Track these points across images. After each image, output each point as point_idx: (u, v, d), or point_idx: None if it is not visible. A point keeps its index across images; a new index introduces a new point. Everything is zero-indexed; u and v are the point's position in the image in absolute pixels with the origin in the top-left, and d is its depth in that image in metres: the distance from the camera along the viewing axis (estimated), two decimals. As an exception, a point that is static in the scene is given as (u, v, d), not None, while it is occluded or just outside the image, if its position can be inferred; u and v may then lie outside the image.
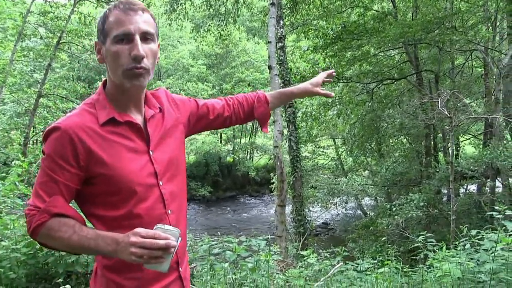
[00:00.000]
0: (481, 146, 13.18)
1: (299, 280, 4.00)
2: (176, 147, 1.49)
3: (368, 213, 16.26)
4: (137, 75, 1.31)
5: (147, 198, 1.35)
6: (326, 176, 16.46)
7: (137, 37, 1.30)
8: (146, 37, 1.33)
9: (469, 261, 3.30)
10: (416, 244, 4.65)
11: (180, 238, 1.22)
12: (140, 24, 1.31)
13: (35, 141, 24.43)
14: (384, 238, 9.15)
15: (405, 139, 14.62)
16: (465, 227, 3.80)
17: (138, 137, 1.38)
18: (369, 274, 4.05)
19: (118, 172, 1.31)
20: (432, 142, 12.87)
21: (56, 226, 1.26)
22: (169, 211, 1.40)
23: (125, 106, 1.39)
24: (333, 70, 2.04)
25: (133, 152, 1.36)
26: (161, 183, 1.39)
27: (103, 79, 1.45)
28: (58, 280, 3.37)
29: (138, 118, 1.41)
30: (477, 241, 3.54)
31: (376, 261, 4.26)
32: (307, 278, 4.45)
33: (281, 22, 9.71)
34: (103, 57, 1.36)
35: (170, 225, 1.28)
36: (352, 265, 4.50)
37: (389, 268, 3.80)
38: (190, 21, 16.09)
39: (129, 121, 1.36)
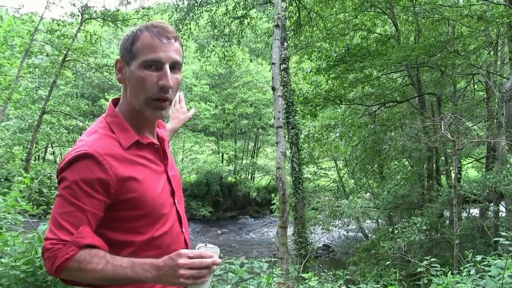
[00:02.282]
0: (483, 170, 13.14)
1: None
2: (175, 166, 1.54)
3: (369, 236, 16.11)
4: (161, 107, 1.30)
5: (170, 218, 1.36)
6: (327, 198, 16.39)
7: (167, 66, 1.27)
8: (174, 66, 1.30)
9: (474, 287, 3.24)
10: (419, 269, 4.58)
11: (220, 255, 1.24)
12: (171, 53, 1.28)
13: (37, 157, 24.48)
14: (388, 262, 9.04)
15: (407, 162, 14.58)
16: (470, 252, 3.74)
17: (158, 158, 1.38)
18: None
19: (148, 195, 1.28)
20: (435, 165, 12.83)
21: (87, 258, 1.18)
22: (184, 230, 1.43)
23: (141, 128, 1.37)
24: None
25: (156, 173, 1.35)
26: (176, 201, 1.40)
27: (111, 99, 1.43)
28: (57, 299, 3.32)
29: (154, 139, 1.41)
30: (482, 267, 3.47)
31: (379, 286, 4.19)
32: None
33: (285, 44, 9.82)
34: (124, 78, 1.33)
35: (186, 243, 1.37)
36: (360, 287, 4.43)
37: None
38: (194, 41, 16.27)
39: (151, 143, 1.36)
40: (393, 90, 13.37)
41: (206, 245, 1.23)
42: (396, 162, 14.94)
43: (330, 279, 6.09)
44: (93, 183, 1.20)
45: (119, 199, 1.24)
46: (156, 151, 1.38)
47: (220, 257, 1.23)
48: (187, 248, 1.41)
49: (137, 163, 1.30)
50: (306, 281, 4.62)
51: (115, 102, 1.41)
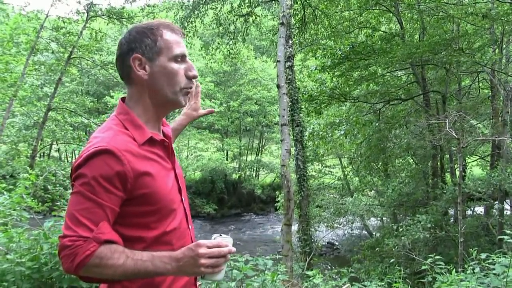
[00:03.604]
0: (488, 168, 13.08)
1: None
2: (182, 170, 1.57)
3: (373, 233, 16.09)
4: (188, 94, 1.41)
5: (178, 214, 1.39)
6: (332, 195, 16.38)
7: (189, 59, 1.41)
8: (189, 60, 1.42)
9: (479, 285, 3.24)
10: (424, 267, 4.58)
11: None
12: (185, 48, 1.41)
13: (42, 154, 24.59)
14: (392, 260, 9.04)
15: (412, 160, 14.54)
16: (475, 250, 3.73)
17: (166, 155, 1.41)
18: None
19: (160, 191, 1.31)
20: (439, 163, 12.79)
21: (108, 254, 1.19)
22: (190, 226, 1.46)
23: (153, 125, 1.41)
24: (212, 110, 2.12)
25: (166, 170, 1.38)
26: (183, 198, 1.44)
27: (120, 97, 1.45)
28: (62, 295, 3.34)
29: (159, 131, 1.46)
30: (487, 265, 3.47)
31: (383, 283, 4.19)
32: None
33: (290, 41, 9.80)
34: (149, 73, 1.35)
35: (192, 240, 1.39)
36: (359, 287, 4.43)
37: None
38: (199, 39, 16.27)
39: (162, 140, 1.40)
40: (398, 88, 13.32)
41: (221, 235, 1.29)
42: (400, 160, 14.90)
43: (334, 276, 6.09)
44: (112, 179, 1.21)
45: (133, 195, 1.26)
46: (165, 148, 1.42)
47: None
48: None
49: (151, 159, 1.33)
50: (311, 278, 4.63)
51: (123, 100, 1.43)
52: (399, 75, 14.05)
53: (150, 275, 1.23)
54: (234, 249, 1.26)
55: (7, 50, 13.81)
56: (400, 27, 12.28)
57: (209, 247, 1.21)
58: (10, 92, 12.95)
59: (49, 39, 14.78)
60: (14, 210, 4.49)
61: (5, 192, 4.89)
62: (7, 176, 16.14)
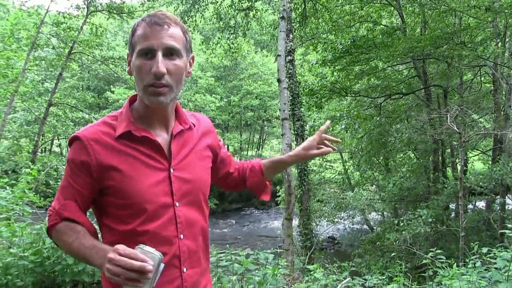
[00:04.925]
0: (490, 162, 13.07)
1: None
2: (203, 172, 1.44)
3: (374, 228, 16.12)
4: (156, 93, 1.27)
5: (159, 217, 1.30)
6: (333, 190, 16.40)
7: (159, 53, 1.26)
8: (170, 52, 1.28)
9: (480, 279, 3.24)
10: (424, 261, 4.59)
11: (162, 265, 1.13)
12: (164, 39, 1.26)
13: (43, 149, 24.64)
14: (393, 254, 9.05)
15: (413, 154, 14.54)
16: (476, 244, 3.74)
17: (157, 154, 1.34)
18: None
19: (130, 187, 1.28)
20: (440, 158, 12.79)
21: (63, 230, 1.30)
22: (182, 236, 1.33)
23: (150, 122, 1.36)
24: (328, 122, 1.78)
25: (150, 168, 1.32)
26: (177, 204, 1.34)
27: (132, 94, 1.45)
28: (65, 289, 3.36)
29: (161, 135, 1.37)
30: (488, 259, 3.47)
31: (384, 277, 4.20)
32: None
33: (291, 35, 9.77)
34: (131, 70, 1.34)
35: (180, 250, 1.30)
36: (359, 281, 4.44)
37: (397, 285, 3.74)
38: (199, 33, 16.23)
39: (146, 137, 1.32)
40: (399, 82, 13.29)
41: (143, 248, 1.13)
42: (401, 155, 14.90)
43: (335, 271, 6.09)
44: (79, 164, 1.29)
45: (102, 185, 1.30)
46: (154, 146, 1.34)
47: (160, 264, 1.13)
48: (186, 257, 1.35)
49: (126, 153, 1.31)
50: (311, 272, 4.64)
51: (134, 97, 1.45)
52: (400, 69, 14.02)
53: (87, 262, 1.25)
54: (151, 267, 1.08)
55: (8, 45, 13.79)
56: (401, 21, 12.23)
57: (120, 254, 1.10)
58: (11, 88, 12.95)
59: (50, 34, 14.78)
60: (16, 205, 4.51)
61: (7, 187, 4.91)
62: (9, 172, 16.17)
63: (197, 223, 1.38)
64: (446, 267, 3.95)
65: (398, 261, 7.74)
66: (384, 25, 12.84)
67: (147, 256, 1.11)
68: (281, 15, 8.18)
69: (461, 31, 10.16)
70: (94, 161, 1.27)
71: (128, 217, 1.29)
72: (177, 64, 1.30)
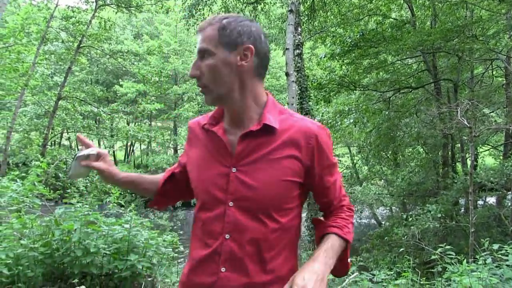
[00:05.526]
0: (501, 158, 12.94)
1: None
2: (274, 183, 1.32)
3: (382, 223, 16.07)
4: (202, 94, 1.39)
5: (210, 210, 1.36)
6: (341, 184, 16.34)
7: (196, 57, 1.35)
8: (202, 55, 1.33)
9: (491, 276, 3.20)
10: (433, 256, 4.55)
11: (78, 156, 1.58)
12: (199, 44, 1.34)
13: (53, 142, 24.84)
14: (401, 249, 9.00)
15: (422, 149, 14.43)
16: (486, 241, 3.69)
17: (222, 150, 1.37)
18: (384, 286, 3.97)
19: (193, 173, 1.45)
20: (450, 152, 12.68)
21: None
22: (227, 236, 1.33)
23: (227, 120, 1.42)
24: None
25: (214, 162, 1.38)
26: (230, 203, 1.33)
27: None
28: (74, 281, 3.39)
29: (235, 133, 1.37)
30: (499, 256, 3.42)
31: (392, 272, 4.17)
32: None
33: (299, 29, 9.71)
34: None
35: (222, 249, 1.32)
36: (367, 276, 4.42)
37: (406, 280, 3.71)
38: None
39: (212, 131, 1.41)
40: (408, 76, 13.18)
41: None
42: (410, 149, 14.81)
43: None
44: (185, 144, 1.57)
45: (187, 166, 1.53)
46: (220, 142, 1.38)
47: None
48: (227, 258, 1.33)
49: (201, 143, 1.46)
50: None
51: None
52: (409, 63, 13.89)
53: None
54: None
55: (18, 40, 13.89)
56: (411, 14, 12.11)
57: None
58: (21, 82, 13.06)
59: (59, 28, 14.84)
60: (26, 197, 4.55)
61: (18, 180, 4.96)
62: (20, 164, 16.34)
63: (248, 231, 1.32)
64: (455, 263, 3.91)
65: (407, 257, 7.71)
66: (394, 19, 12.72)
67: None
68: (290, 8, 8.14)
69: (473, 24, 10.02)
70: (186, 145, 1.54)
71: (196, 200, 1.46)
72: (208, 64, 1.31)
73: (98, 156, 1.60)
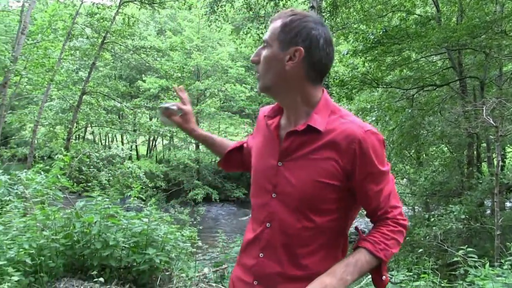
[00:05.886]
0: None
1: None
2: (309, 183, 1.33)
3: (404, 222, 15.84)
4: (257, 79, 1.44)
5: (259, 198, 1.44)
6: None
7: (260, 47, 1.42)
8: (264, 44, 1.40)
9: (517, 282, 3.08)
10: (455, 258, 4.44)
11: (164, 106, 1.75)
12: (265, 33, 1.40)
13: (77, 136, 25.34)
14: (421, 249, 8.85)
15: (446, 148, 14.15)
16: (513, 244, 3.57)
17: (273, 143, 1.44)
18: (403, 287, 3.91)
19: (252, 158, 1.53)
20: (475, 152, 12.40)
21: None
22: (268, 224, 1.39)
23: (286, 113, 1.46)
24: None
25: (267, 152, 1.44)
26: (274, 195, 1.38)
27: None
28: (93, 273, 3.45)
29: (285, 127, 1.42)
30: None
31: (411, 273, 4.10)
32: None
33: (321, 25, 9.61)
34: None
35: (262, 236, 1.40)
36: (391, 275, 4.35)
37: (425, 282, 3.63)
38: (229, 24, 16.20)
39: (268, 124, 1.47)
40: (433, 73, 12.91)
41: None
42: (434, 148, 14.54)
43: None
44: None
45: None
46: (272, 135, 1.44)
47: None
48: (265, 245, 1.40)
49: (261, 130, 1.54)
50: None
51: None
52: (434, 60, 13.61)
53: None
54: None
55: (45, 36, 14.22)
56: (436, 10, 11.85)
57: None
58: (47, 77, 13.36)
59: (84, 24, 15.10)
60: (50, 189, 4.66)
61: (42, 172, 5.08)
62: (45, 157, 16.73)
63: (284, 224, 1.36)
64: (479, 266, 3.81)
65: (429, 258, 7.58)
66: (418, 15, 12.48)
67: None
68: (311, 5, 8.08)
69: (502, 19, 9.72)
70: (254, 129, 1.61)
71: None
72: (265, 55, 1.38)
73: (183, 112, 1.80)
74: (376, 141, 1.31)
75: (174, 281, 4.05)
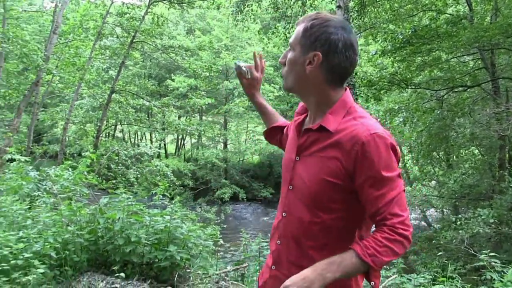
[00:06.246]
0: None
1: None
2: (315, 179, 1.39)
3: (432, 225, 15.53)
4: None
5: (283, 187, 1.56)
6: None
7: (287, 49, 1.51)
8: (289, 48, 1.49)
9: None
10: (481, 263, 4.35)
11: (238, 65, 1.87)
12: (291, 37, 1.49)
13: (107, 134, 25.90)
14: (442, 253, 8.66)
15: (477, 150, 13.77)
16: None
17: (295, 138, 1.55)
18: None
19: (285, 150, 1.65)
20: (507, 155, 12.01)
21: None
22: (284, 214, 1.52)
23: (310, 112, 1.54)
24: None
25: (291, 146, 1.56)
26: (290, 187, 1.50)
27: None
28: (114, 268, 3.54)
29: (308, 124, 1.52)
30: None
31: (430, 276, 4.03)
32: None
33: (348, 25, 9.53)
34: None
35: (279, 224, 1.53)
36: (408, 279, 4.30)
37: (444, 286, 3.57)
38: (257, 23, 16.23)
39: (295, 120, 1.60)
40: (464, 74, 12.57)
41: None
42: (464, 150, 14.17)
43: (385, 267, 5.96)
44: None
45: None
46: (294, 130, 1.56)
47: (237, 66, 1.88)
48: (281, 234, 1.53)
49: (292, 126, 1.63)
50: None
51: None
52: (466, 60, 13.25)
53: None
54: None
55: (77, 36, 14.61)
56: (469, 9, 11.54)
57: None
58: (78, 75, 13.70)
59: (114, 24, 15.42)
60: (77, 186, 4.80)
61: (70, 169, 5.24)
62: (75, 155, 17.18)
63: (295, 215, 1.46)
64: (506, 272, 3.71)
65: (456, 262, 7.42)
66: (449, 14, 12.17)
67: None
68: (338, 4, 8.04)
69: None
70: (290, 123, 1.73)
71: None
72: (289, 57, 1.48)
73: (252, 77, 1.91)
74: (382, 145, 1.30)
75: (192, 278, 4.11)
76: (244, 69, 1.86)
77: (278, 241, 1.52)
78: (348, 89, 1.47)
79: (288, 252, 1.48)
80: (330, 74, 1.39)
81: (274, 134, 1.94)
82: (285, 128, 1.85)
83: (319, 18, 1.40)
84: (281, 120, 1.94)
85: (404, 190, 1.36)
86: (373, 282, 1.33)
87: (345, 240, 1.38)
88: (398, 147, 1.36)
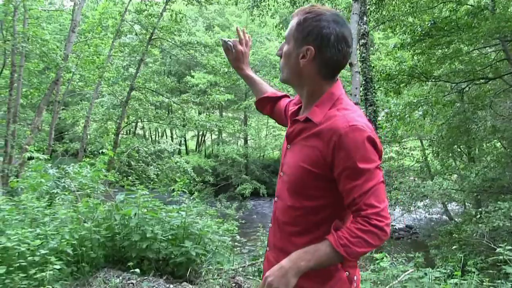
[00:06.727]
0: None
1: (365, 283, 3.91)
2: (298, 167, 1.44)
3: (454, 219, 15.30)
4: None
5: (279, 173, 1.60)
6: (411, 178, 15.74)
7: (283, 42, 1.53)
8: (285, 41, 1.52)
9: None
10: (500, 257, 4.28)
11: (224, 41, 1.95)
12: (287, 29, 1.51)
13: (128, 131, 26.21)
14: (472, 246, 8.53)
15: (499, 143, 13.46)
16: None
17: (288, 131, 1.58)
18: (438, 284, 3.83)
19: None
20: (531, 148, 11.72)
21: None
22: (276, 198, 1.58)
23: (303, 102, 1.57)
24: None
25: (286, 135, 1.58)
26: (282, 173, 1.56)
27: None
28: (130, 264, 3.61)
29: (300, 114, 1.56)
30: None
31: (446, 271, 4.00)
32: (378, 282, 4.32)
33: (365, 18, 9.42)
34: None
35: (273, 208, 1.59)
36: (424, 273, 4.27)
37: (457, 280, 3.54)
38: (274, 18, 16.13)
39: (290, 110, 1.64)
40: (485, 66, 12.28)
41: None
42: (486, 143, 13.88)
43: (403, 261, 5.92)
44: None
45: None
46: (291, 124, 1.57)
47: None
48: (274, 217, 1.58)
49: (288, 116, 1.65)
50: (378, 261, 4.57)
51: None
52: (487, 52, 12.93)
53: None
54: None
55: (96, 34, 14.79)
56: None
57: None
58: (98, 73, 13.85)
59: (132, 21, 15.54)
60: (95, 183, 4.90)
61: (88, 166, 5.34)
62: (96, 152, 17.43)
63: (283, 201, 1.53)
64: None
65: (477, 256, 7.31)
66: (470, 5, 11.89)
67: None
68: (354, -3, 7.94)
69: None
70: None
71: None
72: (284, 50, 1.51)
73: (236, 50, 1.97)
74: (359, 138, 1.31)
75: (207, 273, 4.15)
76: (230, 43, 1.94)
77: (270, 225, 1.61)
78: (339, 80, 1.49)
79: (274, 236, 1.55)
80: (323, 67, 1.43)
81: (265, 104, 1.99)
82: (282, 101, 1.93)
83: (312, 12, 1.42)
84: (270, 91, 1.99)
85: (383, 182, 1.35)
86: (347, 272, 1.39)
87: (326, 229, 1.39)
88: (378, 140, 1.36)
